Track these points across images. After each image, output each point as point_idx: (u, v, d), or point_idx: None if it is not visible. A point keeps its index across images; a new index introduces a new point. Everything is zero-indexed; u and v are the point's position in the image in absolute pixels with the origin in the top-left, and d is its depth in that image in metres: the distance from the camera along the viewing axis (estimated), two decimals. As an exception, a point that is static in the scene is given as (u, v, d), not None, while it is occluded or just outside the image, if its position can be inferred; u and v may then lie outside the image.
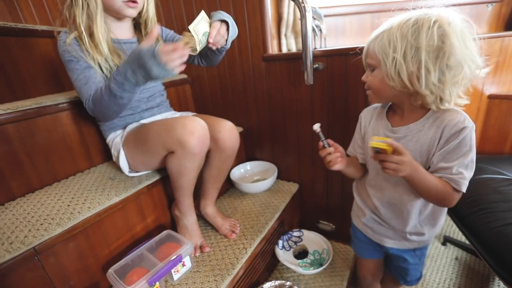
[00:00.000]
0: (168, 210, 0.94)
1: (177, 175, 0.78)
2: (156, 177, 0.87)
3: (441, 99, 0.55)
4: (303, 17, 0.88)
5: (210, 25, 0.68)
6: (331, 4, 1.49)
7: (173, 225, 0.95)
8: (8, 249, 0.57)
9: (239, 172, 1.26)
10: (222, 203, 1.13)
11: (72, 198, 0.76)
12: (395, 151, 0.54)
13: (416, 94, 0.57)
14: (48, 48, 1.05)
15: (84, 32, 0.73)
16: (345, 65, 0.93)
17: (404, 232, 0.69)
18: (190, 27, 0.64)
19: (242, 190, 1.18)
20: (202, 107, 1.33)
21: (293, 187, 1.22)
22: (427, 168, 0.60)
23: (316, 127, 0.66)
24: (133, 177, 0.86)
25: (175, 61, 0.60)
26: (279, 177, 1.26)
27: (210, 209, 0.98)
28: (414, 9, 0.55)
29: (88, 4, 0.71)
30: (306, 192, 1.26)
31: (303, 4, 0.87)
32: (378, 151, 0.55)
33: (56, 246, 0.64)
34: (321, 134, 0.67)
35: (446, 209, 0.68)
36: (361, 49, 0.66)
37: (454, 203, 0.58)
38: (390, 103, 0.69)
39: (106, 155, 1.01)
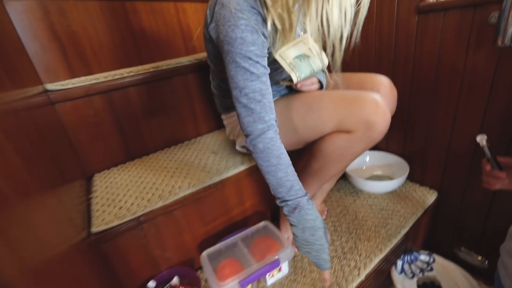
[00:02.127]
0: (269, 197, 0.83)
1: (337, 158, 0.61)
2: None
3: None
4: None
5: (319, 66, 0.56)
6: None
7: (272, 214, 0.84)
8: (118, 215, 0.57)
9: (355, 162, 1.01)
10: (330, 198, 0.94)
11: (176, 168, 0.73)
12: None
13: None
14: (171, 12, 1.05)
15: None
16: None
17: None
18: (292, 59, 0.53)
19: (355, 185, 0.95)
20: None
21: (429, 195, 0.89)
22: None
23: (480, 139, 0.54)
24: (240, 153, 0.76)
25: None
26: (409, 177, 0.94)
27: (318, 205, 0.81)
28: None
29: None
30: (447, 205, 0.90)
31: None
32: None
33: (158, 218, 0.62)
34: (486, 150, 0.54)
35: None
36: None
37: None
38: None
39: (212, 125, 0.97)
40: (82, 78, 0.71)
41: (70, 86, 0.69)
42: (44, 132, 0.57)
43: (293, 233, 0.53)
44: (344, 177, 0.99)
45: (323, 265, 0.54)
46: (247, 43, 0.47)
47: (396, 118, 0.71)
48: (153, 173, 0.72)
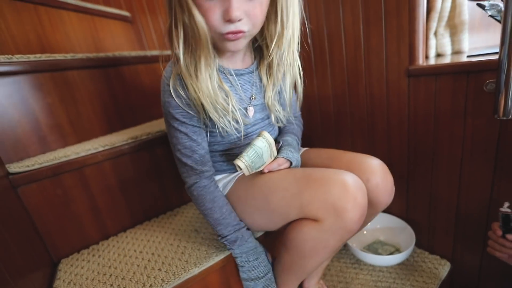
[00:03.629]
0: None
1: (309, 251, 0.51)
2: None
3: None
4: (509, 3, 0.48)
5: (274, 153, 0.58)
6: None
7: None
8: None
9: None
10: (329, 270, 0.84)
11: (152, 254, 0.64)
12: None
13: None
14: (157, 73, 1.04)
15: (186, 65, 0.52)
16: None
17: None
18: (244, 158, 0.53)
19: (357, 256, 0.85)
20: (309, 136, 1.01)
21: (441, 267, 0.79)
22: None
23: (506, 208, 0.54)
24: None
25: None
26: (416, 244, 0.85)
27: (315, 284, 0.71)
28: None
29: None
30: (463, 277, 0.80)
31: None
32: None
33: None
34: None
35: None
36: None
37: None
38: None
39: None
40: (51, 157, 0.66)
41: (36, 166, 0.63)
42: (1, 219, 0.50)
43: (239, 265, 0.58)
44: (344, 245, 0.89)
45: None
46: (173, 106, 0.54)
47: (396, 180, 0.63)
48: (125, 261, 0.64)
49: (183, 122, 0.55)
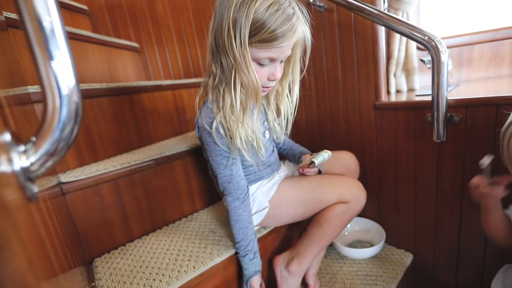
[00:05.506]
0: (264, 270, 0.88)
1: (339, 222, 0.77)
2: (263, 232, 0.84)
3: None
4: (435, 59, 0.73)
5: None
6: (454, 34, 1.26)
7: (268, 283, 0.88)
8: (127, 306, 0.60)
9: (336, 228, 1.12)
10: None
11: (179, 250, 0.78)
12: None
13: None
14: (169, 99, 1.20)
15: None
16: (495, 118, 0.72)
17: None
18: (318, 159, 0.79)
19: (340, 252, 1.03)
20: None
21: (405, 258, 1.00)
22: None
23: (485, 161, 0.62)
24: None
25: None
26: (386, 241, 1.06)
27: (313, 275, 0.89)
28: None
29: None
30: (423, 266, 1.00)
31: (435, 44, 0.72)
32: None
33: (164, 305, 0.64)
34: (488, 168, 0.63)
35: None
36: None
37: None
38: None
39: (207, 201, 1.05)
40: (94, 168, 0.79)
41: (82, 177, 0.76)
42: (55, 222, 0.62)
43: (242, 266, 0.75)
44: (330, 245, 1.07)
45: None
46: (217, 144, 0.68)
47: (369, 190, 0.85)
48: (156, 257, 0.76)
49: (226, 157, 0.70)
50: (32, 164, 0.29)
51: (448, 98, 0.75)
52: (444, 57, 0.73)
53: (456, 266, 0.93)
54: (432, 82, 0.74)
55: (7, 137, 0.26)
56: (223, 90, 0.65)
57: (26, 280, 0.19)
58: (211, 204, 1.06)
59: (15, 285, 0.18)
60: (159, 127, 1.15)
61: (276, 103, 0.80)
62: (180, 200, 0.97)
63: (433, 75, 0.74)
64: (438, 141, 0.77)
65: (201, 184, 1.01)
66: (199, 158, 0.98)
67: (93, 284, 0.70)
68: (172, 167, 0.93)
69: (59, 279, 0.49)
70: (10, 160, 0.26)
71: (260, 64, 0.63)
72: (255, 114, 0.70)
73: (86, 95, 0.87)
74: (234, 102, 0.63)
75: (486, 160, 0.62)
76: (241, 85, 0.63)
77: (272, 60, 0.63)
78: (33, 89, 0.73)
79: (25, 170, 0.28)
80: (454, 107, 0.78)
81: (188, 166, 0.97)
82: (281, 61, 0.66)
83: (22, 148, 0.28)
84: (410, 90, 1.20)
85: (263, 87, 0.67)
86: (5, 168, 0.24)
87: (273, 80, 0.67)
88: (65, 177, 0.75)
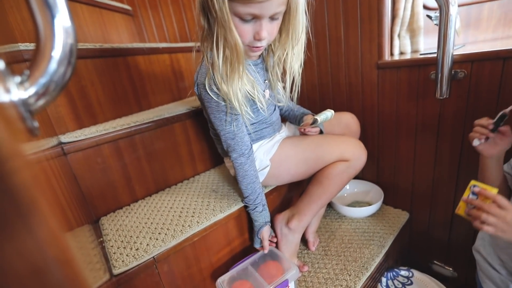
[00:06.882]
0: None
1: (339, 180, 0.78)
2: (264, 191, 0.85)
3: None
4: (443, 11, 0.70)
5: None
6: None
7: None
8: (136, 256, 0.62)
9: (336, 190, 1.14)
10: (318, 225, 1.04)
11: (182, 208, 0.80)
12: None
13: None
14: (166, 62, 1.17)
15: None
16: (501, 73, 0.70)
17: None
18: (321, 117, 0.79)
19: (340, 212, 1.07)
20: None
21: (402, 216, 1.03)
22: None
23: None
24: (238, 189, 0.86)
25: None
26: (384, 201, 1.08)
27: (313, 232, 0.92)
28: None
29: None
30: (418, 224, 1.04)
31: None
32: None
33: (170, 256, 0.67)
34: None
35: None
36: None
37: None
38: None
39: (208, 164, 1.06)
40: (93, 130, 0.78)
41: (82, 137, 0.76)
42: (59, 180, 0.63)
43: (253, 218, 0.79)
44: (330, 205, 1.10)
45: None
46: (215, 99, 0.68)
47: (369, 152, 0.85)
48: (160, 214, 0.79)
49: (223, 111, 0.69)
50: (30, 96, 0.28)
51: (454, 54, 0.73)
52: (453, 9, 0.70)
53: (450, 225, 0.96)
54: (439, 36, 0.72)
55: (1, 64, 0.25)
56: (210, 46, 0.64)
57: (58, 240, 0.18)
58: (213, 167, 1.07)
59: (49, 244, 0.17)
60: (157, 93, 1.13)
61: (282, 65, 0.77)
62: (182, 163, 0.98)
63: (440, 29, 0.71)
64: (441, 98, 0.76)
65: (202, 147, 1.01)
66: (199, 120, 0.98)
67: (101, 239, 0.73)
68: (172, 129, 0.93)
69: (73, 235, 0.51)
70: (8, 90, 0.25)
71: (244, 20, 0.59)
72: (249, 71, 0.69)
73: (80, 55, 0.85)
74: (217, 59, 0.62)
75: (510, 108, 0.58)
76: (225, 40, 0.61)
77: (256, 17, 0.59)
78: (23, 46, 0.70)
79: (24, 102, 0.27)
80: (459, 63, 0.76)
81: (188, 129, 0.96)
82: (272, 19, 0.61)
83: (18, 79, 0.28)
84: (414, 51, 1.17)
85: (252, 46, 0.64)
86: (4, 98, 0.23)
87: (259, 40, 0.62)
88: (65, 138, 0.74)
